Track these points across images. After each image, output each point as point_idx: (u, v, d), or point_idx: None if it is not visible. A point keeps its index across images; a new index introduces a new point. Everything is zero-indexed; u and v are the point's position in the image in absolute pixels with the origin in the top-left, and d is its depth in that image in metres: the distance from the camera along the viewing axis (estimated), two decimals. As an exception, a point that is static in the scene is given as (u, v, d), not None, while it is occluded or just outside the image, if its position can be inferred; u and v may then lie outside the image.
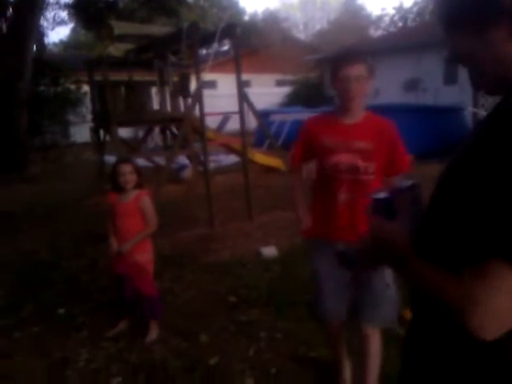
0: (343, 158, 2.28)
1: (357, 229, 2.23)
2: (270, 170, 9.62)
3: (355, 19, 37.69)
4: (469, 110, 12.03)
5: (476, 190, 0.86)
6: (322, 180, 2.42)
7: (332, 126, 2.34)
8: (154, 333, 3.47)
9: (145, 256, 3.47)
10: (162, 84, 9.27)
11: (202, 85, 6.22)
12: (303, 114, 13.46)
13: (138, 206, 3.41)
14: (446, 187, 0.98)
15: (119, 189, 3.41)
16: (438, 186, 1.03)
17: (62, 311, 3.97)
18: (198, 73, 6.31)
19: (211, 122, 9.41)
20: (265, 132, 7.70)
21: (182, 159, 10.15)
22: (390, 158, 2.32)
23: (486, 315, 0.81)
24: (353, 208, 2.32)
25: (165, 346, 3.34)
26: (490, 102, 10.08)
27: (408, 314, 3.48)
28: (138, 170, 3.47)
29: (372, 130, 2.29)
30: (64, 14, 24.44)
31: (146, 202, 3.44)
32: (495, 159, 0.83)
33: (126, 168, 3.38)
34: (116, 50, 8.94)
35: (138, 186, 3.45)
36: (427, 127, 10.53)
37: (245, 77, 6.50)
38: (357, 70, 2.19)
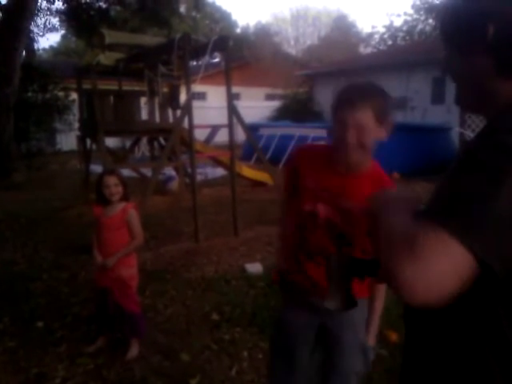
0: (322, 210, 1.86)
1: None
2: (257, 184, 9.60)
3: (345, 36, 38.08)
4: (455, 130, 12.16)
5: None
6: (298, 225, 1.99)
7: (323, 166, 1.90)
8: (134, 350, 3.38)
9: (129, 271, 3.40)
10: (151, 94, 9.23)
11: (192, 96, 6.19)
12: (292, 129, 13.54)
13: (124, 219, 3.33)
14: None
15: (104, 201, 3.34)
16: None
17: (40, 324, 3.86)
18: (188, 84, 6.28)
19: (199, 134, 9.39)
20: (253, 145, 7.68)
21: (169, 171, 10.08)
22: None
23: (420, 268, 0.78)
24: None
25: (145, 364, 3.26)
26: (476, 122, 10.19)
27: (393, 336, 3.44)
28: (124, 182, 3.40)
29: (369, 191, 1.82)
30: (55, 21, 24.33)
31: (133, 215, 3.36)
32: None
33: (112, 180, 3.30)
34: (106, 58, 8.90)
35: (124, 198, 3.38)
36: (414, 146, 10.61)
37: (235, 89, 6.50)
38: (360, 117, 1.71)
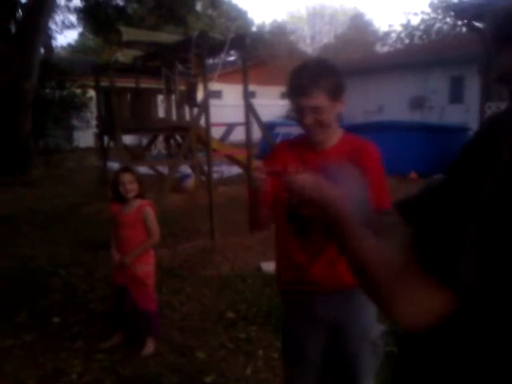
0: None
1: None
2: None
3: (362, 34, 37.87)
4: (474, 130, 12.02)
5: None
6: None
7: (299, 153, 1.92)
8: (150, 347, 3.39)
9: (146, 268, 3.42)
10: (168, 92, 9.25)
11: (209, 94, 6.19)
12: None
13: (140, 216, 3.36)
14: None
15: (120, 198, 3.37)
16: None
17: (57, 320, 3.89)
18: (205, 82, 6.28)
19: (215, 132, 9.39)
20: (270, 143, 7.65)
21: (185, 169, 10.11)
22: None
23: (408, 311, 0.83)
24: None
25: (160, 361, 3.27)
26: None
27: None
28: (140, 179, 3.42)
29: (345, 156, 1.81)
30: (73, 18, 24.57)
31: (149, 213, 3.39)
32: None
33: (127, 177, 3.33)
34: (124, 56, 8.95)
35: (140, 195, 3.41)
36: (432, 146, 10.50)
37: (250, 88, 6.48)
38: (314, 102, 1.74)
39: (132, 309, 3.38)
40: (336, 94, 1.78)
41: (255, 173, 1.72)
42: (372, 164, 1.85)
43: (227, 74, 16.97)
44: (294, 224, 1.90)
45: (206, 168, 7.33)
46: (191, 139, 7.16)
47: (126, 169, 3.50)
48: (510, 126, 0.81)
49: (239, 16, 37.04)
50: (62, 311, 4.04)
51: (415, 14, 48.86)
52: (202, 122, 6.41)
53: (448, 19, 31.25)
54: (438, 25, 33.20)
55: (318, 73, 1.77)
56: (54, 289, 4.57)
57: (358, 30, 39.08)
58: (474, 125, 12.01)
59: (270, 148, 7.85)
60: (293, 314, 2.07)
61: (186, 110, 9.52)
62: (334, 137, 1.91)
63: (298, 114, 1.82)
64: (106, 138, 9.61)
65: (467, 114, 13.18)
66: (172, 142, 10.75)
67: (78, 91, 16.08)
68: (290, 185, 1.44)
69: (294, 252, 1.94)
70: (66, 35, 66.89)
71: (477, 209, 0.76)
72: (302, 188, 1.50)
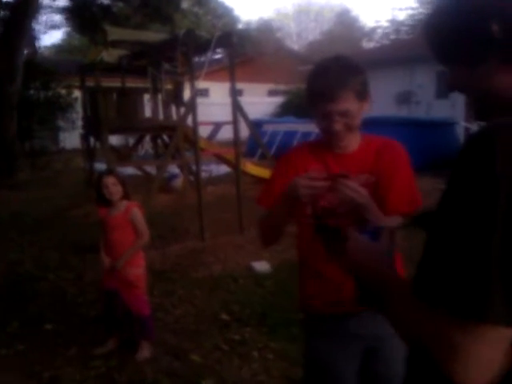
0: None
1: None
2: (261, 180, 9.54)
3: (348, 31, 37.93)
4: (461, 124, 12.07)
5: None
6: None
7: (320, 157, 1.77)
8: (145, 351, 3.35)
9: (137, 271, 3.40)
10: (154, 91, 9.18)
11: (196, 93, 6.14)
12: (295, 125, 13.47)
13: (127, 218, 3.36)
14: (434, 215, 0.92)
15: (105, 201, 3.36)
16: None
17: (48, 327, 3.83)
18: (192, 81, 6.23)
19: (202, 131, 9.34)
20: (258, 142, 7.63)
21: (173, 168, 10.04)
22: (382, 192, 1.67)
23: (469, 364, 0.76)
24: None
25: (156, 366, 3.23)
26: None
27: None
28: (123, 181, 3.43)
29: (371, 159, 1.74)
30: (57, 18, 24.32)
31: (136, 213, 3.39)
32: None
33: (110, 180, 3.33)
34: (109, 55, 8.85)
35: (125, 197, 3.40)
36: (418, 141, 10.52)
37: (238, 86, 6.44)
38: (343, 105, 1.60)
39: (124, 313, 3.34)
40: (363, 93, 1.65)
41: (302, 180, 1.53)
42: (401, 163, 1.75)
43: (214, 72, 16.90)
44: (322, 235, 1.75)
45: (194, 167, 7.28)
46: (179, 138, 7.10)
47: (108, 172, 3.52)
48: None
49: (225, 13, 36.86)
50: (53, 317, 3.99)
51: (401, 10, 49.15)
52: (189, 121, 6.36)
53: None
54: (424, 20, 33.29)
55: (343, 73, 1.61)
56: (43, 293, 4.51)
57: (345, 26, 39.13)
58: (460, 119, 12.11)
59: (259, 146, 7.85)
60: (323, 335, 1.82)
61: (173, 109, 9.45)
62: (356, 138, 1.77)
63: (324, 120, 1.66)
64: (92, 139, 9.50)
65: (453, 109, 13.24)
66: (159, 141, 10.68)
67: (63, 92, 15.89)
68: (343, 190, 1.42)
69: (324, 267, 1.71)
70: (50, 35, 66.10)
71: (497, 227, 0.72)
72: (356, 192, 1.49)
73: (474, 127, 10.35)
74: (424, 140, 10.68)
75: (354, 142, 1.75)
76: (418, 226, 1.28)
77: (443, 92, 14.99)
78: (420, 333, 0.82)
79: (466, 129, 11.65)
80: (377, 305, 1.01)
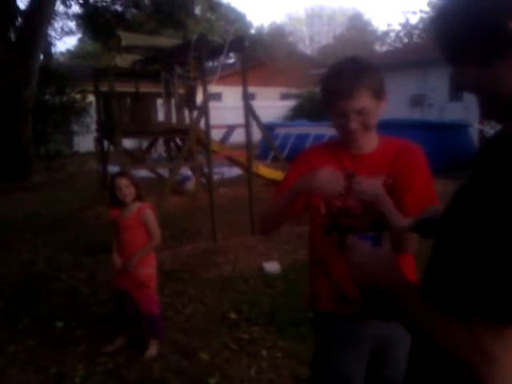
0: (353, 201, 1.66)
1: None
2: (273, 183, 9.56)
3: (361, 34, 37.90)
4: (475, 126, 11.98)
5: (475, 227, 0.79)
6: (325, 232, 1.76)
7: (337, 157, 1.76)
8: (153, 349, 3.38)
9: (148, 271, 3.43)
10: (167, 96, 9.25)
11: (209, 97, 6.19)
12: (308, 128, 13.49)
13: (140, 219, 3.38)
14: (452, 218, 0.91)
15: (118, 203, 3.39)
16: (445, 214, 0.95)
17: (59, 324, 3.88)
18: (204, 85, 6.28)
19: (215, 135, 9.39)
20: (270, 145, 7.65)
21: (185, 171, 10.11)
22: (399, 194, 1.66)
23: (508, 377, 0.76)
24: None
25: (164, 364, 3.26)
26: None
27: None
28: (136, 183, 3.45)
29: (389, 161, 1.72)
30: (72, 24, 24.63)
31: (149, 215, 3.41)
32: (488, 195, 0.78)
33: (123, 181, 3.36)
34: (123, 60, 8.95)
35: (138, 198, 3.43)
36: (432, 143, 10.46)
37: (250, 89, 6.48)
38: (360, 103, 1.60)
39: (135, 311, 3.38)
40: (379, 91, 1.64)
41: (325, 173, 1.57)
42: (419, 166, 1.73)
43: (227, 77, 17.01)
44: (336, 234, 1.72)
45: (206, 170, 7.33)
46: (191, 142, 7.15)
47: (121, 173, 3.56)
48: None
49: (238, 19, 37.05)
50: (65, 315, 4.03)
51: (414, 13, 48.96)
52: (202, 124, 6.41)
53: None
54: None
55: (359, 72, 1.61)
56: (55, 293, 4.56)
57: (357, 30, 39.14)
58: (473, 122, 12.01)
59: (272, 149, 7.88)
60: (332, 334, 1.82)
61: (186, 112, 9.51)
62: (373, 139, 1.75)
63: (340, 119, 1.65)
64: (105, 143, 9.61)
65: (467, 112, 13.15)
66: (172, 144, 10.75)
67: (78, 96, 16.10)
68: (360, 186, 1.43)
69: (334, 266, 1.72)
70: (65, 41, 67.14)
71: None
72: (372, 189, 1.51)
73: (488, 129, 10.27)
74: (437, 142, 10.61)
75: (370, 143, 1.74)
76: (418, 232, 1.28)
77: (456, 95, 14.92)
78: (446, 341, 0.82)
79: (480, 131, 11.56)
80: (387, 314, 1.01)
